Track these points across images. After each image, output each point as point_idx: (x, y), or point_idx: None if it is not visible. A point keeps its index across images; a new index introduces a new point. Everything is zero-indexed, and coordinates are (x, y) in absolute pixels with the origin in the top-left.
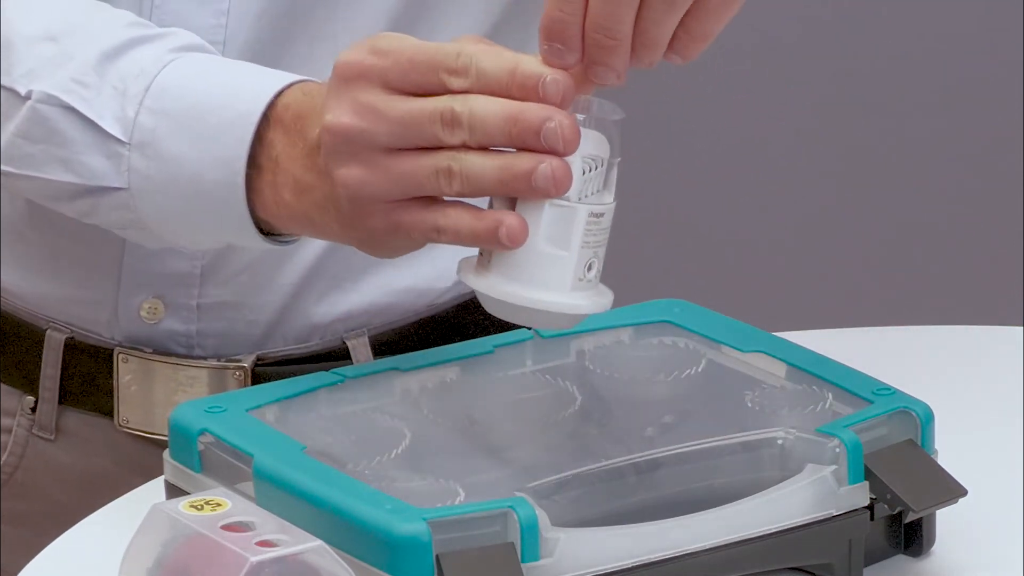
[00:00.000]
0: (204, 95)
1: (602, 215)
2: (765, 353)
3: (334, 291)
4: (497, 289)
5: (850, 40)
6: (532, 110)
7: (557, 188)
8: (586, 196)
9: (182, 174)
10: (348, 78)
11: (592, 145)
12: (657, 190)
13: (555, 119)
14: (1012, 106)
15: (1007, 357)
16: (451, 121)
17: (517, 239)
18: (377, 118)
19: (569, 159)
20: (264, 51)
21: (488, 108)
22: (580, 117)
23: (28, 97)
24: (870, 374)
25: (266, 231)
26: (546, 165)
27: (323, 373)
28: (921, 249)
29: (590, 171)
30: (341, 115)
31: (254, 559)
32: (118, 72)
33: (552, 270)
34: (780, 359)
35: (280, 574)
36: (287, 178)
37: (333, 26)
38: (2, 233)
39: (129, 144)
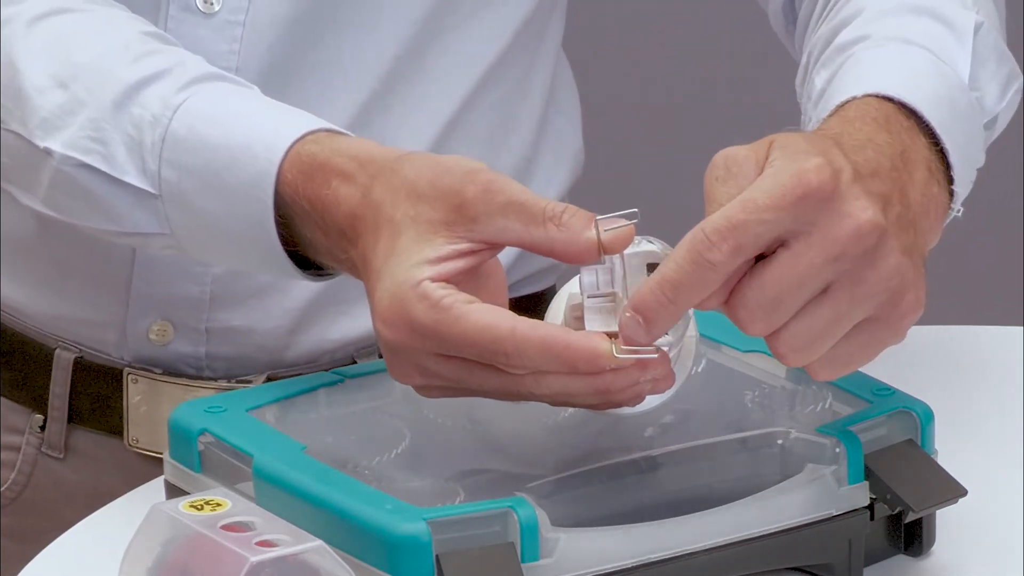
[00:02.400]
0: (217, 150)
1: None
2: (765, 353)
3: (343, 316)
4: (611, 411)
5: None
6: (616, 385)
7: (665, 388)
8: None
9: (218, 228)
10: (396, 350)
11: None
12: (658, 190)
13: (642, 380)
14: None
15: (1007, 357)
16: (533, 397)
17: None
18: (448, 381)
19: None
20: (275, 78)
21: (573, 389)
22: None
23: (49, 153)
24: (870, 374)
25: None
26: (648, 385)
27: (323, 373)
28: None
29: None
30: (408, 377)
31: (254, 559)
32: (131, 119)
33: None
34: None
35: (280, 574)
36: (315, 242)
37: (341, 55)
38: (13, 252)
39: (160, 197)
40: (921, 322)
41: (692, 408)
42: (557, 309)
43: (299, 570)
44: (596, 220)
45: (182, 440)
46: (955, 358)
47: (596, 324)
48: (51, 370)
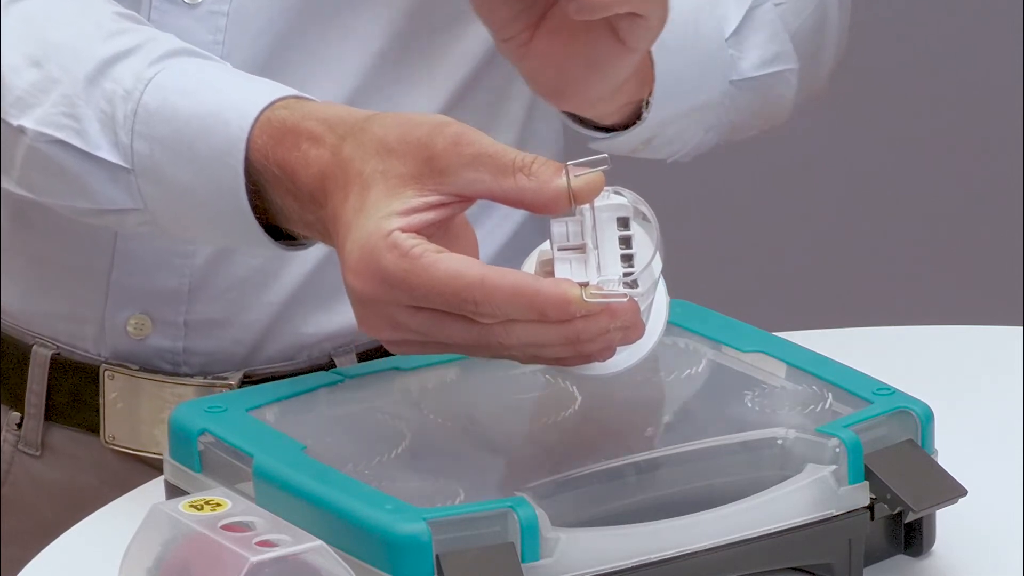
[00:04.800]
0: (189, 120)
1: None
2: (765, 353)
3: (322, 310)
4: (586, 371)
5: (849, 40)
6: (586, 333)
7: (635, 338)
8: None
9: (191, 199)
10: (366, 302)
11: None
12: (656, 190)
13: (612, 328)
14: (1012, 106)
15: (1007, 357)
16: (503, 349)
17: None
18: (418, 334)
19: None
20: (261, 69)
21: (542, 337)
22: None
23: (23, 131)
24: (870, 374)
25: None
26: (619, 335)
27: (323, 373)
28: (921, 249)
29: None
30: (378, 331)
31: (254, 559)
32: (104, 94)
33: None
34: (780, 359)
35: (280, 574)
36: (286, 208)
37: (326, 49)
38: None
39: (133, 171)
40: (921, 322)
41: (692, 408)
42: (529, 265)
43: (299, 570)
44: (566, 166)
45: (182, 440)
46: (955, 358)
47: (566, 275)
48: (28, 367)
